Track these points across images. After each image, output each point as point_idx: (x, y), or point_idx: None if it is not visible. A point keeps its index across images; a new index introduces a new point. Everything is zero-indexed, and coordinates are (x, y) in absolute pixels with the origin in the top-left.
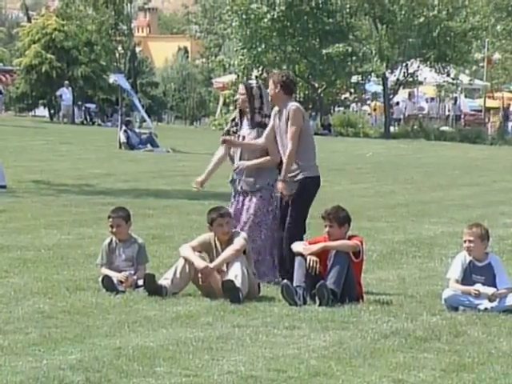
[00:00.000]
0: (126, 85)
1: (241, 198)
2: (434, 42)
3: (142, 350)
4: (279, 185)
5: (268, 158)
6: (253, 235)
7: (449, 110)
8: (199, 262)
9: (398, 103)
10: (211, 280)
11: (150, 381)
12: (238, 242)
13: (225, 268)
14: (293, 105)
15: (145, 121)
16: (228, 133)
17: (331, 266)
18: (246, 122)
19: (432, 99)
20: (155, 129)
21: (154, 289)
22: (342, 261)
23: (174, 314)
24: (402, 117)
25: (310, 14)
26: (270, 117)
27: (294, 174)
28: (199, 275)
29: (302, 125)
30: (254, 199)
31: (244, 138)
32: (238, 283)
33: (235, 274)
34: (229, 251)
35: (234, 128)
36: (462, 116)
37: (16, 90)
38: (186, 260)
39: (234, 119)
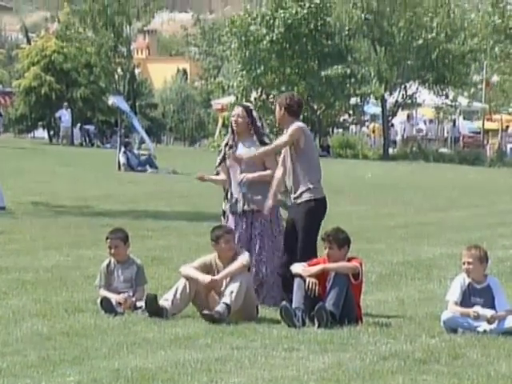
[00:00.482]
0: (125, 106)
1: (245, 220)
2: (432, 64)
3: (141, 372)
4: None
5: (269, 172)
6: (268, 260)
7: (447, 132)
8: (204, 277)
9: (392, 125)
10: (210, 300)
11: None
12: (244, 258)
13: (224, 287)
14: (295, 124)
15: (144, 142)
16: (224, 158)
17: (330, 288)
18: (240, 144)
19: (431, 121)
20: (154, 150)
21: (155, 310)
22: (341, 283)
23: (173, 335)
24: (397, 139)
25: (308, 36)
26: (268, 136)
27: (296, 195)
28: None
29: (295, 142)
30: (264, 221)
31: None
32: (229, 300)
33: (231, 290)
34: (235, 265)
35: (231, 151)
36: (461, 138)
37: (15, 111)
38: (189, 278)
39: (226, 144)
